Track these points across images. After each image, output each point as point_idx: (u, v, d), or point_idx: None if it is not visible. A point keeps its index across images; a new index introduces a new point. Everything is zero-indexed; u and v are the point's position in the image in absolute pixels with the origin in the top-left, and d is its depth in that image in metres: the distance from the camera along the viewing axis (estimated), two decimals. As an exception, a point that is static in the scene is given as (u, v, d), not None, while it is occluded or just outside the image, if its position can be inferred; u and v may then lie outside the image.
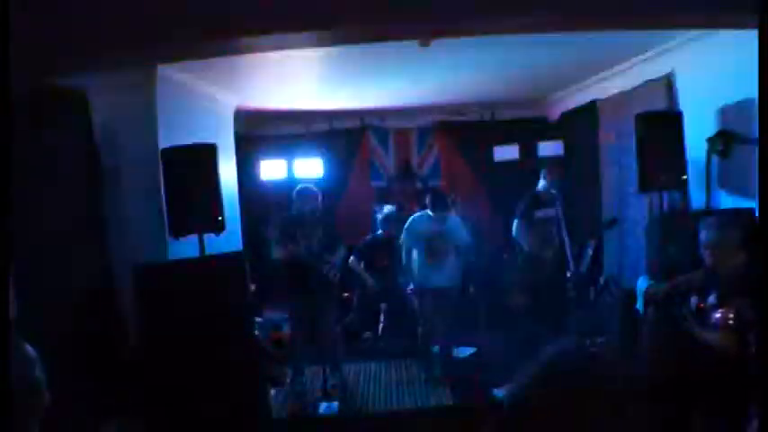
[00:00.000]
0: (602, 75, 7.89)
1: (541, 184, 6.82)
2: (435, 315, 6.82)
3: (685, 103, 6.08)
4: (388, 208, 8.37)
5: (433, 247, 6.71)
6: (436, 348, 7.01)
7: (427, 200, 6.81)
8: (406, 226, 6.89)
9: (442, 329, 6.92)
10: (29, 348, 2.10)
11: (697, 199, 5.85)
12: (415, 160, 10.42)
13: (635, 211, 7.10)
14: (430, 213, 6.67)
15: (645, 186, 5.58)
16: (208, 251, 5.22)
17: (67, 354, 3.87)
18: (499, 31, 4.57)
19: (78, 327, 4.64)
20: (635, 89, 7.00)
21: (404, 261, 6.96)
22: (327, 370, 6.43)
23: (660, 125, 5.58)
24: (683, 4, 3.94)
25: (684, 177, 5.50)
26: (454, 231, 6.78)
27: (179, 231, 5.09)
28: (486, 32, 4.66)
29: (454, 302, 6.93)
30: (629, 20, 4.26)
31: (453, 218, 6.91)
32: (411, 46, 5.35)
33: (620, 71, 7.41)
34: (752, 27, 3.52)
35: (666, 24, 4.76)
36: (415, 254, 6.83)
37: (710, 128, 5.62)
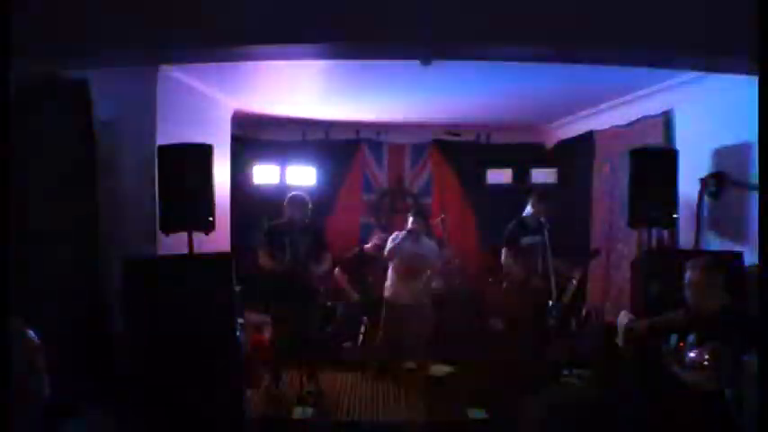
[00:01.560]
0: (601, 106, 7.94)
1: (528, 209, 6.85)
2: (399, 330, 7.11)
3: (681, 142, 6.14)
4: (376, 237, 8.50)
5: (405, 265, 7.03)
6: (412, 364, 7.11)
7: (409, 221, 7.09)
8: (391, 237, 7.20)
9: (409, 345, 7.13)
10: (33, 335, 2.12)
11: (685, 238, 5.89)
12: (407, 176, 10.44)
13: (622, 245, 7.14)
14: (405, 234, 7.03)
15: (634, 221, 5.60)
16: (195, 250, 5.24)
17: (54, 341, 3.87)
18: (501, 59, 4.62)
19: (66, 314, 4.66)
20: (633, 123, 7.07)
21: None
22: (304, 377, 6.44)
23: (655, 161, 5.61)
24: (683, 46, 4.00)
25: (675, 216, 5.51)
26: (427, 255, 7.12)
27: (170, 228, 5.13)
28: (486, 59, 4.72)
29: (422, 320, 7.09)
30: (629, 56, 4.32)
31: (429, 242, 7.24)
32: (412, 64, 5.40)
33: (620, 104, 7.47)
34: (751, 73, 3.58)
35: (667, 64, 4.83)
36: (390, 269, 7.15)
37: (704, 168, 5.66)
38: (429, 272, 7.22)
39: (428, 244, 7.18)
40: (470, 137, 10.32)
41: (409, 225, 7.04)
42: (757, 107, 3.37)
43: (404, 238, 7.03)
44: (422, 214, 7.35)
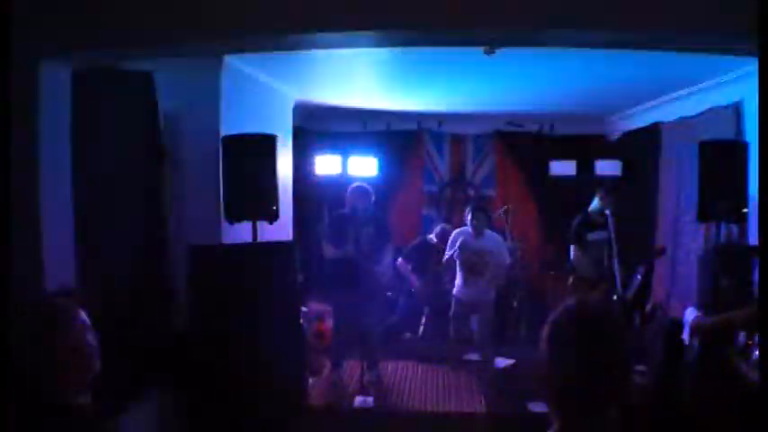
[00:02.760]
0: (667, 96, 7.76)
1: (595, 204, 6.75)
2: (464, 323, 7.10)
3: (753, 134, 5.95)
4: (440, 227, 8.43)
5: (470, 262, 6.91)
6: (475, 356, 7.07)
7: (468, 217, 6.95)
8: (450, 237, 7.12)
9: (478, 338, 7.06)
10: (83, 315, 2.18)
11: (756, 234, 5.73)
12: (469, 167, 10.38)
13: (690, 239, 6.97)
14: (470, 230, 6.90)
15: (703, 216, 5.46)
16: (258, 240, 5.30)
17: (118, 325, 3.95)
18: (566, 45, 4.53)
19: (132, 299, 4.76)
20: (701, 114, 6.85)
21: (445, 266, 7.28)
22: (365, 366, 6.48)
23: (725, 154, 5.46)
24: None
25: (745, 210, 5.36)
26: (493, 249, 6.96)
27: (235, 217, 5.19)
28: (552, 45, 4.64)
29: (486, 313, 7.00)
30: (703, 42, 4.19)
31: (494, 236, 7.08)
32: (475, 53, 5.35)
33: (687, 94, 7.29)
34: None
35: (742, 50, 4.66)
36: (456, 266, 7.06)
37: (778, 162, 5.48)
38: (496, 266, 7.02)
39: (492, 237, 7.04)
40: (533, 128, 10.19)
41: (468, 221, 6.94)
42: (757, 105, 3.23)
43: (465, 236, 6.95)
44: (482, 209, 7.23)
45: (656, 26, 3.82)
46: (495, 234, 7.20)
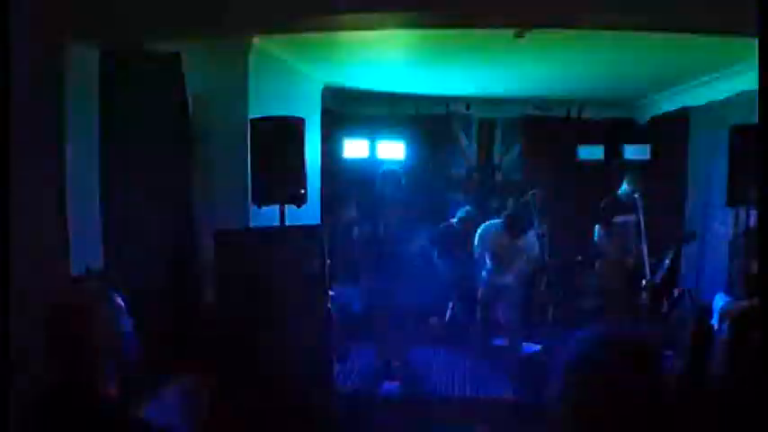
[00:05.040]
0: (696, 81, 7.66)
1: (624, 188, 6.71)
2: (492, 309, 7.16)
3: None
4: (464, 210, 8.40)
5: (502, 257, 7.03)
6: (501, 341, 7.06)
7: (505, 222, 7.02)
8: (479, 232, 7.20)
9: (505, 324, 7.12)
10: (117, 299, 2.20)
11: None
12: (496, 152, 10.34)
13: (719, 224, 6.91)
14: (500, 225, 7.01)
15: (733, 200, 5.40)
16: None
17: (148, 307, 4.00)
18: (603, 28, 4.49)
19: (158, 283, 4.80)
20: (731, 98, 6.77)
21: (476, 257, 7.28)
22: (393, 350, 6.49)
23: (756, 139, 5.38)
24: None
25: (776, 194, 5.30)
26: (525, 248, 7.01)
27: (262, 200, 5.16)
28: (587, 27, 4.59)
29: (514, 298, 7.03)
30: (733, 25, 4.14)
31: (527, 235, 7.05)
32: (502, 36, 5.32)
33: (716, 78, 7.19)
34: None
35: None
36: (486, 258, 7.14)
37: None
38: (526, 261, 7.07)
39: (527, 237, 7.03)
40: (561, 112, 10.11)
41: (504, 225, 6.99)
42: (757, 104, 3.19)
43: (497, 236, 7.03)
44: (519, 217, 7.12)
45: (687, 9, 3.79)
46: (530, 234, 7.16)
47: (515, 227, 6.93)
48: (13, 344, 2.95)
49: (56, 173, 4.09)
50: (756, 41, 3.11)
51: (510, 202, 9.36)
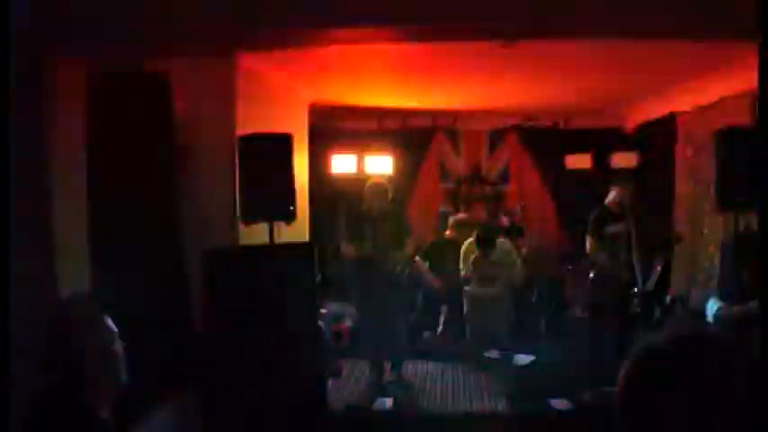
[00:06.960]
0: (681, 86, 7.68)
1: (611, 196, 6.70)
2: (481, 321, 7.34)
3: (769, 122, 5.87)
4: (453, 219, 8.44)
5: (480, 272, 7.25)
6: (495, 353, 7.04)
7: (476, 239, 7.26)
8: (462, 249, 7.43)
9: (492, 334, 7.24)
10: (109, 322, 2.17)
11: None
12: (485, 163, 10.36)
13: (708, 230, 6.92)
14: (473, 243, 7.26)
15: (723, 206, 5.40)
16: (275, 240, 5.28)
17: (137, 328, 3.97)
18: (592, 36, 4.50)
19: (147, 303, 4.75)
20: (717, 103, 6.78)
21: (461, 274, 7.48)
22: (387, 366, 6.45)
23: (743, 142, 5.40)
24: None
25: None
26: (504, 261, 7.30)
27: (251, 218, 5.15)
28: (575, 36, 4.61)
29: (504, 310, 7.28)
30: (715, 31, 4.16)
31: (503, 247, 7.37)
32: (488, 48, 5.33)
33: (702, 84, 7.21)
34: None
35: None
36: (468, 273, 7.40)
37: (796, 149, 5.41)
38: (507, 277, 7.31)
39: (502, 249, 7.32)
40: (548, 122, 10.16)
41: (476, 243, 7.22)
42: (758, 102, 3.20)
43: (475, 249, 7.24)
44: (488, 239, 7.34)
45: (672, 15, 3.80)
46: (505, 243, 7.46)
47: (485, 243, 7.15)
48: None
49: (44, 190, 4.06)
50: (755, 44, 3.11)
51: (500, 214, 9.39)
